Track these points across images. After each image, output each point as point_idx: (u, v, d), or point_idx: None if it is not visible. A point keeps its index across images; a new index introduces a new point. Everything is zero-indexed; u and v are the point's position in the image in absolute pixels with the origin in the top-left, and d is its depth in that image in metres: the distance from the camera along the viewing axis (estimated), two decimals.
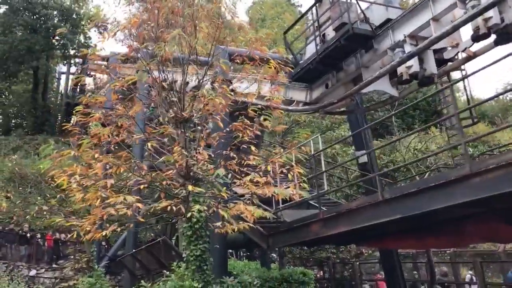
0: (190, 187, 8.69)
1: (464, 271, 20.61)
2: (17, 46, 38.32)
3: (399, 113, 30.92)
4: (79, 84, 49.68)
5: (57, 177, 9.83)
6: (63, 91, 53.14)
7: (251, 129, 9.19)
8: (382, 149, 23.58)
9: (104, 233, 9.42)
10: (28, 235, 25.93)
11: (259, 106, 10.41)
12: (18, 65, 41.11)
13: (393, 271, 15.05)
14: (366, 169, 15.45)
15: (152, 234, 26.47)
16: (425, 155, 22.18)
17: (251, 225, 9.85)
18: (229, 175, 10.44)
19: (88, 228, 9.10)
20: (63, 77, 55.06)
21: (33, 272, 23.58)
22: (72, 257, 21.25)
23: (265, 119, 9.37)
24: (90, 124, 10.89)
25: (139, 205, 8.60)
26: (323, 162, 10.79)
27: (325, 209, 11.34)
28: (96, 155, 9.22)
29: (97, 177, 9.20)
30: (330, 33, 12.72)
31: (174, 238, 22.96)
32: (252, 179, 8.91)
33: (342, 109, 14.43)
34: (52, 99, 51.14)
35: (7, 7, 39.72)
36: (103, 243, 25.81)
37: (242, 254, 28.04)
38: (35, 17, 39.91)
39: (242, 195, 11.00)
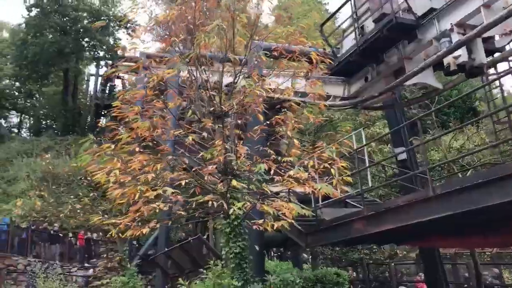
0: (234, 182, 8.39)
1: (505, 273, 19.84)
2: (48, 48, 38.86)
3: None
4: (108, 84, 50.57)
5: (95, 173, 9.71)
6: (92, 92, 53.90)
7: (295, 120, 8.84)
8: (416, 148, 22.87)
9: (143, 231, 9.21)
10: (60, 234, 26.21)
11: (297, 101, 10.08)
12: (48, 67, 41.72)
13: (434, 272, 14.47)
14: (406, 166, 14.92)
15: (183, 234, 26.38)
16: (462, 153, 21.44)
17: (292, 222, 9.51)
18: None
19: (128, 225, 8.90)
20: (92, 78, 55.92)
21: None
22: (104, 256, 21.27)
23: (310, 112, 9.01)
24: (127, 119, 10.67)
25: (179, 197, 8.36)
26: (366, 157, 10.40)
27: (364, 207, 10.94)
28: (137, 149, 9.01)
29: (136, 172, 9.00)
30: (369, 25, 12.33)
31: (204, 237, 22.84)
32: (292, 175, 8.54)
33: (381, 104, 13.95)
34: (82, 100, 51.79)
35: (38, 10, 40.32)
36: (134, 242, 25.89)
37: (272, 254, 27.73)
38: (65, 19, 40.41)
39: (278, 193, 10.69)
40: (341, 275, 14.63)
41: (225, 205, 8.75)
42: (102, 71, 53.45)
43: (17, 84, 51.64)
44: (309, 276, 12.92)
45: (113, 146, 9.12)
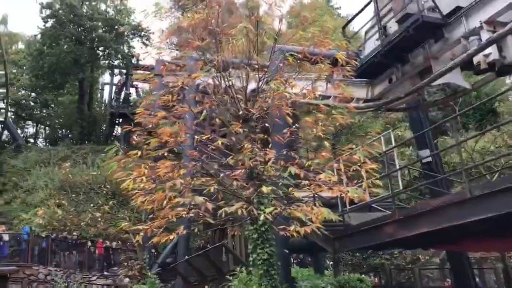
0: (264, 189, 8.20)
1: None
2: (64, 58, 39.26)
3: (452, 112, 29.71)
4: (122, 93, 50.85)
5: (120, 180, 9.61)
6: (107, 101, 54.22)
7: (324, 123, 8.64)
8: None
9: (170, 237, 9.07)
10: (80, 242, 26.25)
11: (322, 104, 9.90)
12: (65, 76, 42.14)
13: (463, 278, 14.10)
14: (431, 168, 14.62)
15: (202, 241, 26.21)
16: (485, 155, 21.05)
17: (319, 227, 9.28)
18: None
19: (154, 231, 8.76)
20: (106, 87, 56.31)
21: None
22: (125, 264, 21.19)
23: (340, 114, 8.81)
24: (151, 125, 10.57)
25: (209, 205, 8.20)
26: (396, 160, 10.16)
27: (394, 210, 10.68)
28: (165, 154, 8.88)
29: (162, 178, 8.86)
30: (392, 26, 12.13)
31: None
32: (322, 178, 8.34)
33: (405, 106, 13.69)
34: (97, 109, 52.11)
35: (54, 20, 40.74)
36: (153, 250, 25.80)
37: (292, 260, 27.45)
38: (80, 29, 40.80)
39: (300, 199, 10.49)
40: (364, 281, 14.36)
41: (254, 211, 8.55)
42: (116, 79, 53.90)
43: (33, 94, 52.31)
44: (332, 282, 12.68)
45: (139, 153, 9.00)
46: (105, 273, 26.18)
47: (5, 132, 43.87)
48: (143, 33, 44.00)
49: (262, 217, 8.38)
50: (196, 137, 10.57)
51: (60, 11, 40.04)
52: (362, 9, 13.10)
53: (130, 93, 45.34)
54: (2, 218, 30.51)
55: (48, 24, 41.42)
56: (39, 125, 58.58)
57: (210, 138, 10.10)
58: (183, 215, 8.48)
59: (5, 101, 34.35)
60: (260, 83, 10.46)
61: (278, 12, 10.96)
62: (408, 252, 26.01)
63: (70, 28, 40.44)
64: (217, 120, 11.45)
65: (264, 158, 8.66)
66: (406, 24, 10.99)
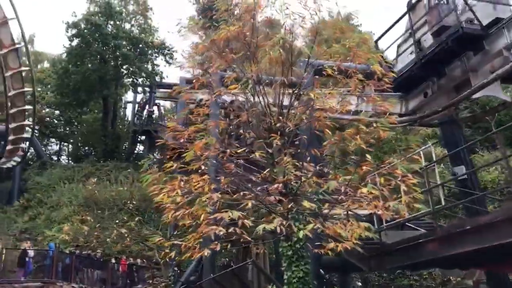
0: (306, 204, 7.94)
1: None
2: (89, 76, 39.78)
3: (479, 129, 29.10)
4: (144, 111, 51.33)
5: (154, 194, 9.47)
6: (129, 119, 54.74)
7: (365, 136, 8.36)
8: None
9: (205, 253, 8.83)
10: (102, 259, 26.13)
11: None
12: (89, 94, 42.63)
13: None
14: (466, 185, 14.13)
15: (226, 259, 25.85)
16: None
17: (358, 244, 8.95)
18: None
19: (190, 246, 8.55)
20: (128, 105, 56.90)
21: None
22: (150, 281, 20.95)
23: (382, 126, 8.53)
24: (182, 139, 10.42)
25: (247, 221, 7.96)
26: (437, 174, 9.79)
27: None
28: (202, 167, 8.71)
29: (196, 192, 8.69)
30: (427, 39, 11.93)
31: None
32: (360, 193, 8.06)
33: (439, 120, 13.35)
34: (120, 127, 52.55)
35: (79, 39, 41.44)
36: (175, 268, 25.53)
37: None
38: (105, 48, 41.38)
39: (334, 216, 10.19)
40: None
41: (293, 228, 8.28)
42: (138, 97, 54.52)
43: (57, 112, 53.11)
44: None
45: (174, 165, 8.85)
46: None
47: (30, 149, 44.42)
48: (166, 51, 44.43)
49: (301, 234, 8.09)
50: (227, 151, 10.41)
51: (86, 30, 40.67)
52: (396, 22, 12.90)
53: (153, 110, 45.65)
54: (27, 235, 30.67)
55: (74, 43, 42.11)
56: (63, 142, 59.37)
57: (237, 152, 9.92)
58: (220, 231, 8.22)
59: (31, 118, 34.81)
60: (293, 97, 10.31)
61: (300, 30, 10.85)
62: (437, 273, 25.25)
63: (95, 46, 41.07)
64: (246, 134, 11.30)
65: (300, 173, 8.40)
66: (443, 36, 10.76)
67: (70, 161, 53.71)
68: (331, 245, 9.14)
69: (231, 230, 7.85)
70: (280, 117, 9.41)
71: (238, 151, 9.37)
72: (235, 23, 9.67)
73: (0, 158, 30.92)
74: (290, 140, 10.06)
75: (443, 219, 19.27)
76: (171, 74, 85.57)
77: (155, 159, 32.58)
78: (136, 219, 19.44)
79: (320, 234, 9.57)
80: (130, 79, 45.34)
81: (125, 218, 20.74)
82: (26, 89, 25.74)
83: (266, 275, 13.95)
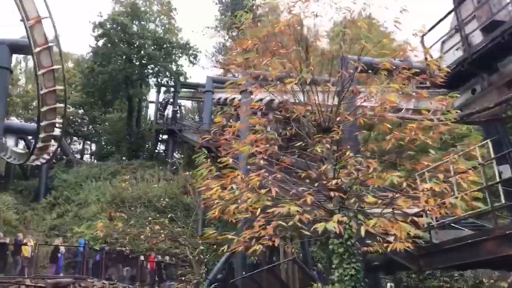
0: (370, 199, 7.81)
1: None
2: (116, 75, 40.14)
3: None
4: (166, 109, 51.64)
5: (204, 189, 9.44)
6: (153, 118, 55.14)
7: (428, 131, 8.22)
8: None
9: (258, 247, 8.73)
10: (132, 256, 26.32)
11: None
12: (115, 93, 43.08)
13: None
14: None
15: (255, 258, 25.80)
16: None
17: (414, 241, 8.78)
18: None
19: (245, 239, 8.47)
20: (150, 105, 57.27)
21: None
22: (182, 278, 20.92)
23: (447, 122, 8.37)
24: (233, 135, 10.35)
25: (307, 216, 7.86)
26: (497, 171, 9.58)
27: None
28: (261, 162, 8.64)
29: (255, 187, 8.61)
30: (475, 35, 11.70)
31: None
32: (423, 188, 7.89)
33: (487, 118, 13.06)
34: (144, 126, 52.99)
35: (105, 39, 41.87)
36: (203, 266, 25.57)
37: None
38: (131, 47, 41.73)
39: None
40: None
41: (354, 224, 8.14)
42: (161, 97, 54.86)
43: (81, 111, 53.74)
44: None
45: (230, 160, 8.80)
46: (156, 287, 26.09)
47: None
48: (190, 51, 44.65)
49: (363, 231, 7.94)
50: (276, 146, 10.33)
51: (112, 30, 41.07)
52: (443, 18, 12.67)
53: (177, 110, 45.89)
54: (56, 231, 31.04)
55: (100, 43, 42.58)
56: (86, 141, 60.07)
57: (293, 147, 9.85)
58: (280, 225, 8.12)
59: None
60: (342, 94, 10.19)
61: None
62: (469, 275, 24.84)
63: (121, 46, 41.45)
64: (287, 133, 11.16)
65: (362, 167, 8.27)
66: (497, 31, 10.53)
67: (94, 160, 54.29)
68: (382, 244, 9.01)
69: (290, 223, 7.73)
70: (329, 115, 9.28)
71: (296, 144, 9.27)
72: (279, 21, 9.55)
73: (30, 156, 31.37)
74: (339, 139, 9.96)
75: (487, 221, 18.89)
76: (194, 74, 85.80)
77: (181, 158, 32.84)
78: (169, 215, 19.39)
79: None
80: (155, 79, 45.70)
81: (157, 215, 20.78)
82: (57, 87, 26.04)
83: (307, 274, 13.83)
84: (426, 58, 11.97)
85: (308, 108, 10.05)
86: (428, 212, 9.25)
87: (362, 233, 7.86)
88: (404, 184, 7.93)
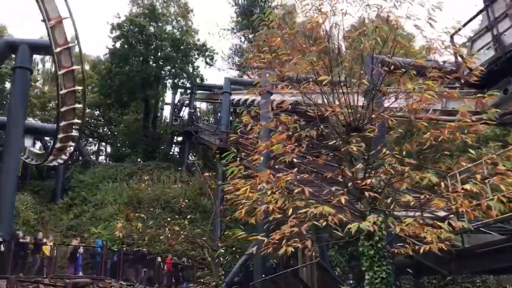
0: (408, 197, 7.58)
1: None
2: (134, 77, 40.21)
3: None
4: (181, 111, 51.66)
5: (232, 189, 9.30)
6: (167, 120, 55.23)
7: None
8: None
9: (288, 249, 8.55)
10: (149, 257, 26.26)
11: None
12: (132, 95, 43.14)
13: None
14: None
15: (274, 261, 25.58)
16: None
17: (448, 242, 8.52)
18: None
19: (274, 240, 8.29)
20: (166, 107, 57.41)
21: None
22: (201, 280, 20.77)
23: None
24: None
25: (340, 216, 7.66)
26: None
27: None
28: (295, 159, 8.45)
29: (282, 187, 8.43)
30: (508, 34, 11.43)
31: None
32: (460, 189, 7.65)
33: None
34: (159, 127, 53.05)
35: (123, 40, 41.99)
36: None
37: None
38: (148, 48, 41.77)
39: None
40: None
41: (392, 225, 7.92)
42: (176, 98, 54.95)
43: (97, 112, 53.95)
44: None
45: (261, 158, 8.63)
46: None
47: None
48: (207, 53, 44.63)
49: (398, 229, 7.71)
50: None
51: (129, 32, 41.16)
52: (474, 17, 12.42)
53: (194, 111, 45.82)
54: (73, 231, 31.12)
55: (117, 44, 42.72)
56: (101, 142, 60.35)
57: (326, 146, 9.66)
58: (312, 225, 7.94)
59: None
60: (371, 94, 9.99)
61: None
62: (492, 281, 24.39)
63: (138, 48, 41.52)
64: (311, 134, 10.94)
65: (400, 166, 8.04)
66: None
67: (109, 161, 54.45)
68: (414, 246, 8.77)
69: (324, 224, 7.53)
70: (362, 113, 9.09)
71: (330, 143, 9.07)
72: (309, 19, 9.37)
73: (48, 156, 31.52)
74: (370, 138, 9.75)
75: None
76: (209, 76, 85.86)
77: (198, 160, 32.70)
78: (188, 217, 19.31)
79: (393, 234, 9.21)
80: (171, 80, 45.73)
81: (176, 216, 20.71)
82: (77, 87, 26.13)
83: (332, 277, 13.57)
84: (458, 57, 11.74)
85: (337, 109, 9.87)
86: (461, 213, 9.02)
87: (398, 231, 7.64)
88: (442, 185, 7.67)
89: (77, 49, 26.29)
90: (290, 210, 7.95)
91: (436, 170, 8.85)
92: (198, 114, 52.55)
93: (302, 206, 7.75)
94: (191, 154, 48.15)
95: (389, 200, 8.49)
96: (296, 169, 8.37)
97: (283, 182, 8.18)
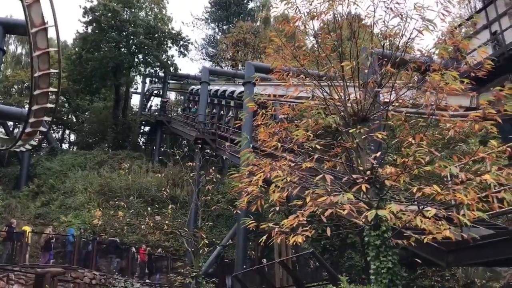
0: (428, 190, 7.59)
1: None
2: (107, 63, 39.11)
3: None
4: (150, 101, 50.80)
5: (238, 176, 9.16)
6: (138, 109, 54.18)
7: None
8: None
9: (299, 238, 8.45)
10: (123, 247, 25.76)
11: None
12: (102, 82, 41.97)
13: None
14: None
15: (252, 252, 25.60)
16: None
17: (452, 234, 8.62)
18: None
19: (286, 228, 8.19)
20: (134, 96, 56.33)
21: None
22: (181, 270, 20.43)
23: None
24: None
25: (362, 204, 7.63)
26: None
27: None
28: (317, 146, 8.32)
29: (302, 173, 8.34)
30: (507, 34, 11.74)
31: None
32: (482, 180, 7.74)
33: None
34: (129, 116, 52.09)
35: (95, 24, 40.74)
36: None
37: None
38: (122, 34, 40.70)
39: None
40: None
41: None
42: (145, 87, 54.00)
43: (63, 98, 52.21)
44: None
45: (279, 145, 8.49)
46: (147, 280, 25.54)
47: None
48: (182, 42, 43.96)
49: (394, 221, 7.76)
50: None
51: (103, 17, 39.97)
52: (471, 17, 12.65)
53: (167, 100, 45.10)
54: (41, 220, 30.09)
55: (89, 29, 41.42)
56: (66, 130, 58.62)
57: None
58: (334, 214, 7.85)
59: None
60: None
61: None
62: (461, 274, 25.09)
63: (111, 33, 40.39)
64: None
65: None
66: None
67: (75, 149, 52.85)
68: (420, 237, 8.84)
69: (345, 212, 7.45)
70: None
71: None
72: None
73: (16, 141, 30.24)
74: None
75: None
76: (181, 65, 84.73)
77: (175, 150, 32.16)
78: (170, 206, 18.90)
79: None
80: (142, 69, 44.82)
81: (149, 207, 20.26)
82: (52, 70, 25.12)
83: (326, 267, 13.57)
84: (459, 52, 11.94)
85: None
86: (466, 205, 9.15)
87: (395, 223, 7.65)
88: (463, 176, 7.71)
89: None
90: (308, 198, 7.84)
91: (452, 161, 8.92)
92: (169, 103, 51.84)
93: (322, 194, 7.65)
94: (163, 144, 47.54)
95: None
96: (316, 156, 8.27)
97: (304, 166, 8.07)
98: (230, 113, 37.40)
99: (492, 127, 7.94)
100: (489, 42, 12.29)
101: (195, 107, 42.70)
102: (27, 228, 22.04)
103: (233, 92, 34.97)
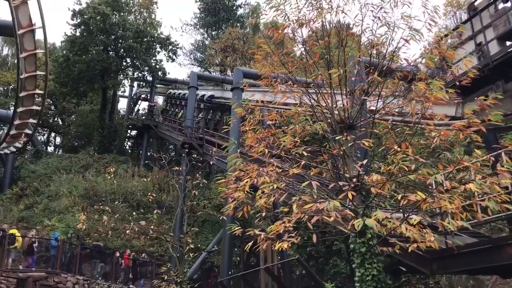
0: (419, 195, 7.65)
1: None
2: (94, 66, 38.86)
3: None
4: (137, 105, 50.51)
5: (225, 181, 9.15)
6: (125, 113, 53.88)
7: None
8: None
9: (284, 244, 8.47)
10: (107, 252, 25.49)
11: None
12: (89, 85, 41.62)
13: None
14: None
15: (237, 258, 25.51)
16: None
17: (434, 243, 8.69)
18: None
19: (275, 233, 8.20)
20: (121, 99, 56.08)
21: None
22: (164, 276, 20.25)
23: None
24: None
25: (348, 212, 7.66)
26: None
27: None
28: (304, 153, 8.35)
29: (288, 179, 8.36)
30: (491, 45, 11.92)
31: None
32: (465, 189, 7.83)
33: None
34: (117, 120, 51.77)
35: (83, 27, 40.49)
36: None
37: None
38: (110, 38, 40.50)
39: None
40: None
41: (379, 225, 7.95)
42: (133, 91, 53.73)
43: (49, 101, 51.69)
44: None
45: (266, 151, 8.50)
46: (131, 286, 25.31)
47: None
48: (170, 47, 43.87)
49: (379, 228, 7.82)
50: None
51: (91, 20, 39.72)
52: (457, 28, 12.84)
53: (154, 105, 44.93)
54: (24, 223, 29.67)
55: (77, 32, 41.14)
56: (52, 132, 58.00)
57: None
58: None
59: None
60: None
61: None
62: (445, 282, 25.27)
63: (100, 36, 40.16)
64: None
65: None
66: None
67: (60, 152, 52.33)
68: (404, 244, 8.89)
69: (331, 219, 7.47)
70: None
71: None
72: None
73: (1, 143, 29.89)
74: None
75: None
76: (170, 70, 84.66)
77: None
78: (155, 211, 18.76)
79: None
80: (131, 72, 44.61)
81: (134, 212, 20.11)
82: (38, 72, 24.94)
83: (311, 274, 13.58)
84: (444, 61, 12.09)
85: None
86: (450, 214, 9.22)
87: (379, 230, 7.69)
88: (447, 184, 7.79)
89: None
90: (295, 205, 7.86)
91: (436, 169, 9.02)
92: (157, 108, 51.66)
93: (308, 201, 7.67)
94: (150, 148, 47.28)
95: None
96: (303, 162, 8.29)
97: (291, 172, 8.10)
98: (200, 115, 39.70)
99: (476, 136, 8.01)
100: (474, 53, 12.45)
101: (177, 110, 43.30)
102: (15, 232, 21.68)
103: (212, 96, 37.61)
